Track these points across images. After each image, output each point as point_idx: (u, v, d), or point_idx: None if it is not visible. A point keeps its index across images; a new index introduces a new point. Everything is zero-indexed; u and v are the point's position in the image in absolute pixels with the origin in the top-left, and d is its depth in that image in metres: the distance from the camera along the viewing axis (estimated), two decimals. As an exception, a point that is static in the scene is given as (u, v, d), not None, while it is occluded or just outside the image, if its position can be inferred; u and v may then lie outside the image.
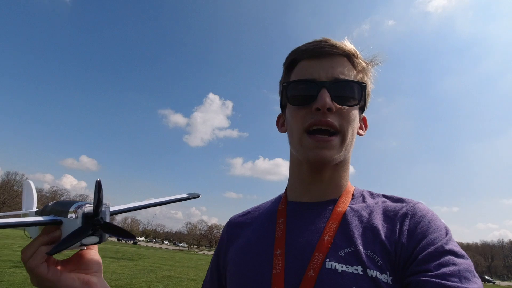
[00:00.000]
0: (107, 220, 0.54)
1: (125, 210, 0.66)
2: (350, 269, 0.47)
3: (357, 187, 0.64)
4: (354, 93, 0.57)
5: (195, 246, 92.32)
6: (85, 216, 0.52)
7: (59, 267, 0.55)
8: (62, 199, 0.76)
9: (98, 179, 0.50)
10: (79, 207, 0.53)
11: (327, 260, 0.49)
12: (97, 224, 0.51)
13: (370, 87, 0.63)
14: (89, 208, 0.53)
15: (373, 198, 0.60)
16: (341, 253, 0.50)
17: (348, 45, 0.60)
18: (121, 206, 0.67)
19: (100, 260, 0.61)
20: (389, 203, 0.57)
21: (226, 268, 0.63)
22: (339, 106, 0.55)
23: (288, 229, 0.57)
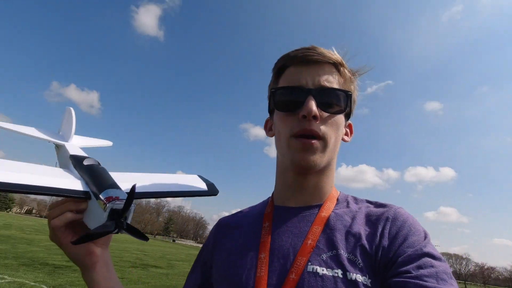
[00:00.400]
0: (130, 220, 0.55)
1: (143, 196, 0.66)
2: (330, 272, 0.49)
3: (342, 192, 0.65)
4: (339, 101, 0.58)
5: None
6: (113, 213, 0.53)
7: (72, 234, 0.59)
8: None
9: (135, 184, 0.52)
10: (109, 198, 0.54)
11: (309, 263, 0.51)
12: (121, 225, 0.53)
13: (356, 95, 0.64)
14: (117, 205, 0.53)
15: (356, 203, 0.61)
16: (322, 256, 0.51)
17: (335, 54, 0.61)
18: (124, 176, 0.68)
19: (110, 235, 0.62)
20: (372, 208, 0.58)
21: (212, 267, 0.64)
22: (324, 113, 0.57)
23: (273, 233, 0.58)
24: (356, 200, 0.63)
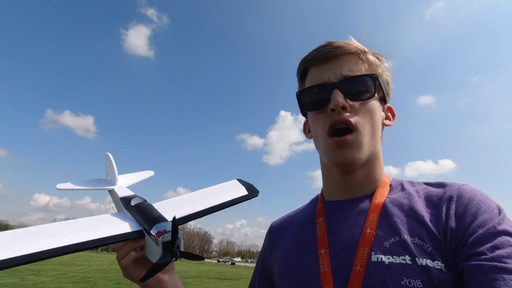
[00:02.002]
0: (181, 247, 0.60)
1: (189, 219, 0.70)
2: (397, 259, 0.45)
3: (395, 178, 0.62)
4: (367, 86, 0.56)
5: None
6: (166, 245, 0.58)
7: (141, 268, 0.64)
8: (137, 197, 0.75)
9: (175, 216, 0.58)
10: (159, 233, 0.59)
11: (372, 253, 0.48)
12: (175, 254, 0.58)
13: (388, 76, 0.62)
14: (167, 238, 0.58)
15: (413, 186, 0.58)
16: (385, 244, 0.48)
17: (354, 42, 0.60)
18: (177, 208, 0.71)
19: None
20: (431, 188, 0.55)
21: (272, 270, 0.64)
22: (354, 102, 0.55)
23: (328, 228, 0.57)
24: (412, 183, 0.59)
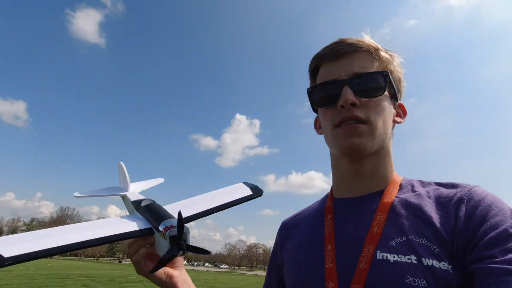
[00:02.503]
0: (188, 241, 0.65)
1: (195, 217, 0.77)
2: (403, 258, 0.46)
3: (406, 177, 0.62)
4: (377, 83, 0.56)
5: (236, 267, 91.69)
6: (173, 239, 0.63)
7: (151, 263, 0.68)
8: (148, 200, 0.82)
9: (180, 211, 0.62)
10: (166, 228, 0.65)
11: (378, 251, 0.48)
12: (182, 247, 0.63)
13: (399, 73, 0.62)
14: (173, 232, 0.64)
15: (423, 186, 0.57)
16: (392, 243, 0.48)
17: (366, 40, 0.61)
18: (186, 208, 0.77)
19: (182, 257, 0.73)
20: (442, 189, 0.54)
21: (283, 268, 0.66)
22: (364, 99, 0.56)
23: (336, 225, 0.58)
24: (422, 183, 0.59)
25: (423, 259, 0.45)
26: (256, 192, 0.88)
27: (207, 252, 0.72)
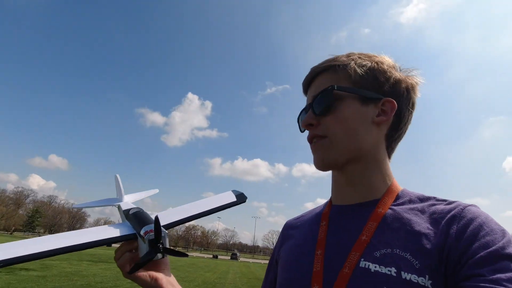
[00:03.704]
0: (166, 244, 0.71)
1: (177, 223, 0.82)
2: (383, 269, 0.47)
3: (406, 189, 0.61)
4: (325, 100, 0.59)
5: (171, 247, 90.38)
6: (150, 242, 0.68)
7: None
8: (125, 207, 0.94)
9: (156, 215, 0.68)
10: (146, 233, 0.70)
11: (362, 259, 0.50)
12: (158, 250, 0.68)
13: (378, 70, 0.60)
14: (151, 236, 0.68)
15: (421, 201, 0.57)
16: (376, 253, 0.50)
17: (333, 57, 0.64)
18: (170, 215, 0.82)
19: (167, 260, 0.76)
20: (438, 206, 0.54)
21: (278, 264, 0.70)
22: (323, 117, 0.60)
23: (329, 231, 0.60)
24: (421, 199, 0.58)
25: (402, 272, 0.46)
26: (240, 198, 0.95)
27: (185, 255, 0.77)
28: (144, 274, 0.70)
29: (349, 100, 0.59)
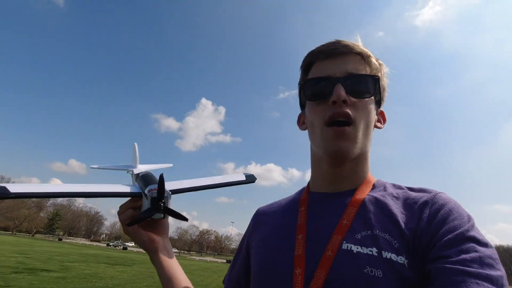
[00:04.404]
0: (168, 204, 0.72)
1: (185, 190, 0.85)
2: (365, 250, 0.49)
3: (380, 180, 0.65)
4: (367, 87, 0.59)
5: (186, 252, 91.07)
6: (152, 199, 0.70)
7: (137, 225, 0.74)
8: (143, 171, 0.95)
9: (161, 174, 0.69)
10: (149, 190, 0.72)
11: (344, 242, 0.51)
12: (159, 208, 0.69)
13: (385, 83, 0.65)
14: (154, 194, 0.70)
15: (394, 188, 0.60)
16: (357, 236, 0.51)
17: (360, 44, 0.63)
18: (179, 182, 0.86)
19: (167, 225, 0.79)
20: (411, 193, 0.57)
21: (250, 253, 0.67)
22: (354, 99, 0.58)
23: (309, 216, 0.60)
24: (394, 186, 0.62)
25: (383, 252, 0.48)
26: (250, 178, 0.98)
27: (185, 219, 0.78)
28: (142, 232, 0.73)
29: (373, 97, 0.61)
